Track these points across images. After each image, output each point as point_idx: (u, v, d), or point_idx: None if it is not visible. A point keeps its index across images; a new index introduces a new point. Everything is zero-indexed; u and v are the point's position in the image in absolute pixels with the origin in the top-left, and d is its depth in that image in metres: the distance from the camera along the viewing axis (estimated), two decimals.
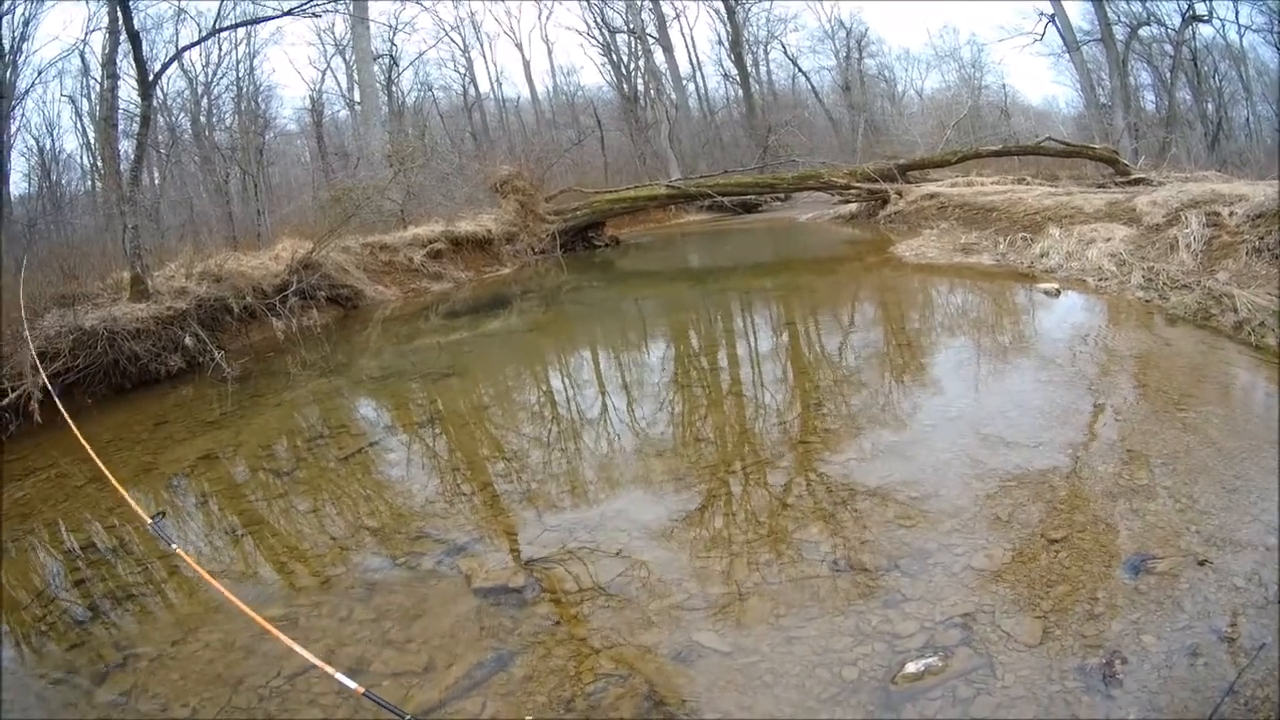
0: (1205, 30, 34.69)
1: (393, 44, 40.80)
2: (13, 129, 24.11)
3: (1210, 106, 35.64)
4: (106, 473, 6.02)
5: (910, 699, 3.59)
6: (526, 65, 57.12)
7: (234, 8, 24.65)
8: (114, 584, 5.72)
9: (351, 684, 3.38)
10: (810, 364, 9.57)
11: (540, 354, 12.30)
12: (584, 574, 4.96)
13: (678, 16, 48.63)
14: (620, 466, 6.82)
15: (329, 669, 3.50)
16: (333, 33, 38.83)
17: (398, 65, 41.81)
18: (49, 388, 9.77)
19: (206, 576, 4.46)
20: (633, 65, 46.94)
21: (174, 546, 4.77)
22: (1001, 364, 8.53)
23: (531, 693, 3.91)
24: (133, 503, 5.75)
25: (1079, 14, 38.23)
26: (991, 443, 6.17)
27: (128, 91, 22.78)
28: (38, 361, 10.07)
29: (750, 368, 9.58)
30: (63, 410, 8.46)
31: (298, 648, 3.66)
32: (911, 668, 3.74)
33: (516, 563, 5.24)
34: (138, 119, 15.85)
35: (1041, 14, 38.46)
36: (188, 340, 12.73)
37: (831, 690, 3.70)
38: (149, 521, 4.93)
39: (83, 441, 6.77)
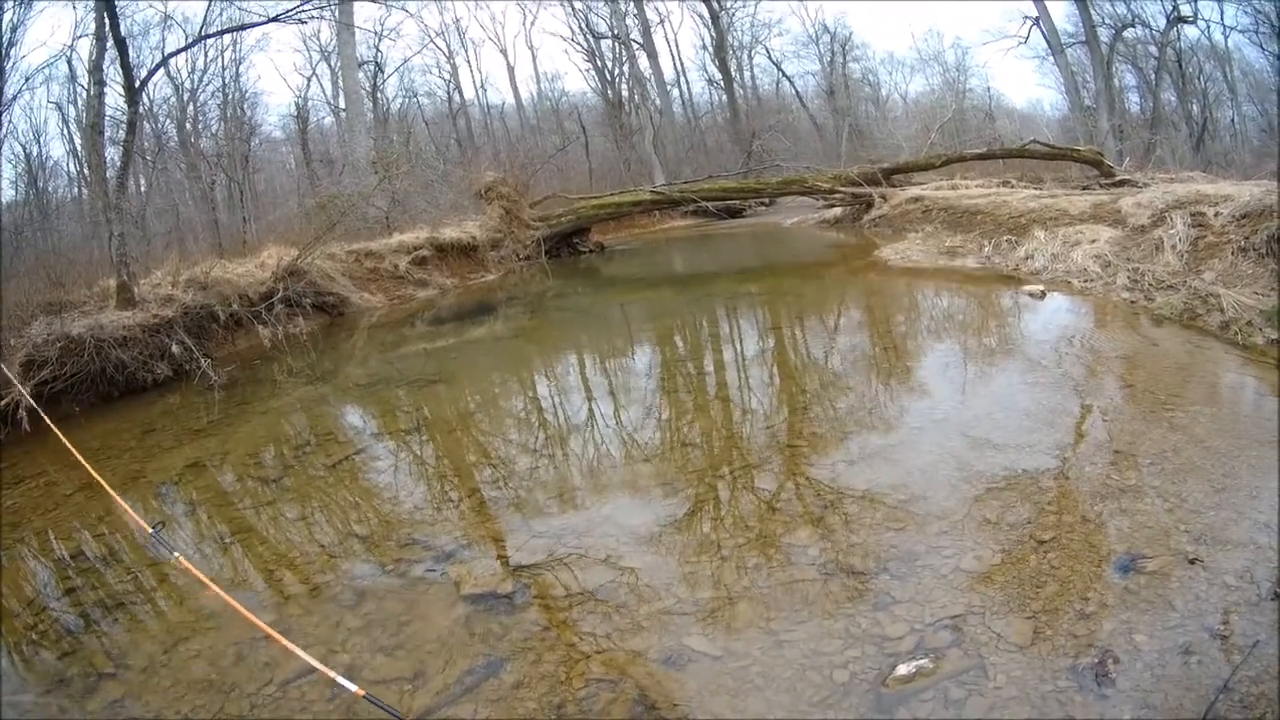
0: (1190, 31, 35.01)
1: (378, 50, 40.83)
2: None
3: (1195, 108, 35.90)
4: (106, 486, 6.02)
5: (902, 701, 3.59)
6: (511, 71, 57.09)
7: (220, 14, 24.60)
8: (104, 592, 5.69)
9: (353, 686, 3.38)
10: (796, 368, 9.57)
11: (526, 360, 12.27)
12: (573, 579, 4.95)
13: (662, 22, 48.77)
14: (607, 472, 6.81)
15: (341, 679, 3.49)
16: (318, 39, 38.90)
17: (383, 72, 41.82)
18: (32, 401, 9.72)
19: (212, 585, 4.42)
20: (617, 71, 47.02)
21: (175, 555, 4.76)
22: (988, 366, 8.54)
23: (522, 699, 3.90)
24: (133, 514, 5.77)
25: (1063, 16, 38.48)
26: (979, 445, 6.18)
27: (114, 98, 22.71)
28: (8, 374, 10.03)
29: (736, 372, 9.59)
30: (55, 428, 8.39)
31: (307, 656, 3.65)
32: (902, 670, 3.74)
33: (505, 569, 5.23)
34: (124, 125, 15.81)
35: (1025, 17, 38.71)
36: (174, 348, 12.68)
37: (823, 693, 3.69)
38: (149, 531, 4.92)
39: (79, 457, 6.74)
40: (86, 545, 6.59)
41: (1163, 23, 34.85)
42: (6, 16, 22.27)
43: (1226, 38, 34.76)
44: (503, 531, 5.85)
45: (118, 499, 5.90)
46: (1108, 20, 36.13)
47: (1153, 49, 35.89)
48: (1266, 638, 3.63)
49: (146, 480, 8.07)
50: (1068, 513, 5.00)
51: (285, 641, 3.83)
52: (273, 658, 4.31)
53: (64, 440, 7.14)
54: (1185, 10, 34.05)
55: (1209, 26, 34.60)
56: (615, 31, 45.75)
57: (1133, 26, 35.88)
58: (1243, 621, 3.77)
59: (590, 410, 8.72)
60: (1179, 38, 35.00)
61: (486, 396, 10.18)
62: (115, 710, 4.23)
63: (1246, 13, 32.77)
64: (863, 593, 4.39)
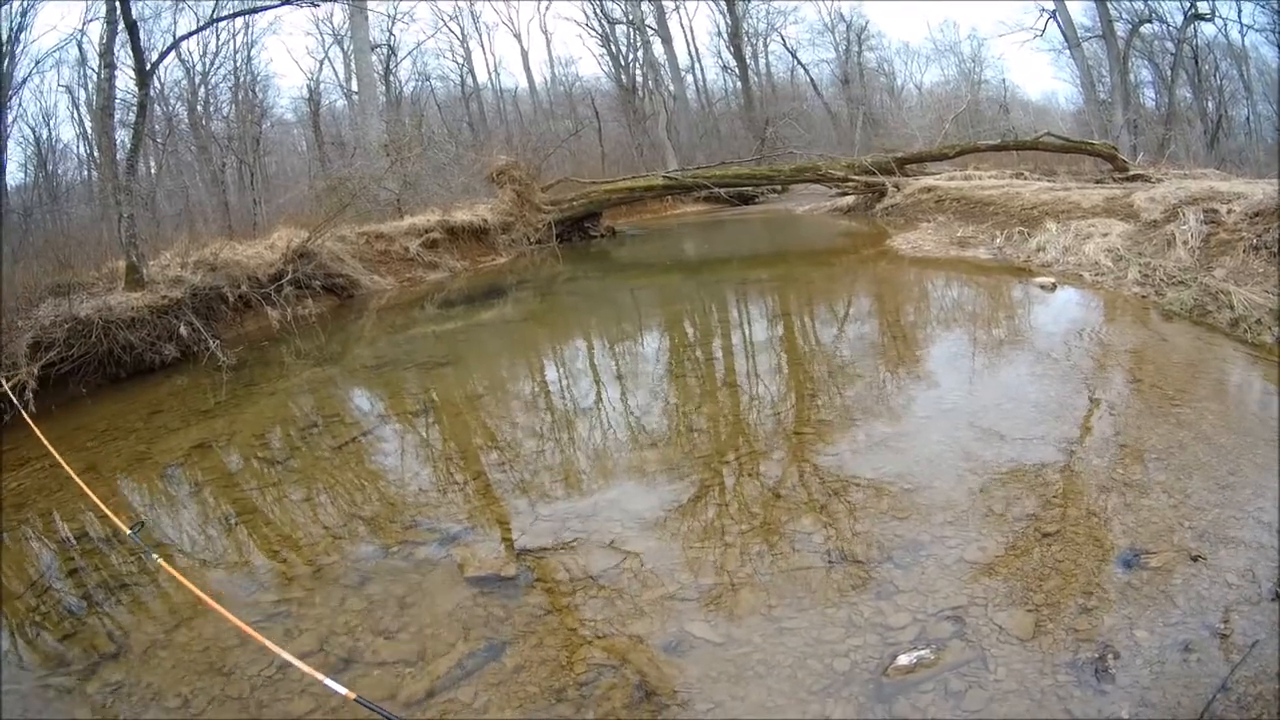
0: (1207, 29, 34.74)
1: (391, 34, 40.80)
2: (10, 119, 24.04)
3: (1210, 105, 35.65)
4: (81, 484, 6.00)
5: (902, 691, 3.58)
6: (525, 56, 57.42)
7: None
8: (107, 574, 5.71)
9: (342, 690, 3.36)
10: (805, 355, 9.55)
11: (535, 344, 12.28)
12: (576, 564, 4.95)
13: (677, 8, 48.62)
14: (613, 456, 6.81)
15: (318, 675, 3.47)
16: (331, 22, 38.88)
17: (395, 55, 41.81)
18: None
19: (190, 586, 4.40)
20: (631, 56, 46.97)
21: (154, 557, 4.76)
22: (996, 357, 8.51)
23: (523, 682, 3.90)
24: (111, 515, 5.74)
25: (1080, 10, 38.21)
26: (986, 436, 6.16)
27: (125, 81, 22.83)
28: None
29: (745, 359, 9.58)
30: (32, 425, 8.39)
31: (285, 654, 3.65)
32: (903, 660, 3.73)
33: (509, 552, 5.23)
34: (134, 108, 15.82)
35: (1043, 9, 38.55)
36: (182, 329, 12.69)
37: (823, 682, 3.69)
38: (128, 532, 4.93)
39: (54, 452, 6.77)
40: (90, 527, 6.62)
41: (1180, 19, 34.67)
42: (16, 1, 22.35)
43: (1244, 36, 34.53)
44: (507, 515, 5.85)
45: (94, 498, 5.90)
46: (1125, 15, 35.97)
47: (1169, 45, 35.64)
48: (1266, 638, 3.62)
49: (153, 461, 8.10)
50: (1073, 506, 4.99)
51: (266, 641, 3.83)
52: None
53: (42, 439, 7.14)
54: (1203, 8, 33.84)
55: (1226, 24, 34.41)
56: (630, 17, 45.71)
57: (1150, 22, 35.67)
58: (1243, 621, 3.76)
59: (598, 394, 8.73)
60: (1196, 35, 34.78)
61: (494, 380, 10.17)
62: (117, 691, 4.24)
63: (1264, 12, 32.54)
64: (866, 582, 4.39)
